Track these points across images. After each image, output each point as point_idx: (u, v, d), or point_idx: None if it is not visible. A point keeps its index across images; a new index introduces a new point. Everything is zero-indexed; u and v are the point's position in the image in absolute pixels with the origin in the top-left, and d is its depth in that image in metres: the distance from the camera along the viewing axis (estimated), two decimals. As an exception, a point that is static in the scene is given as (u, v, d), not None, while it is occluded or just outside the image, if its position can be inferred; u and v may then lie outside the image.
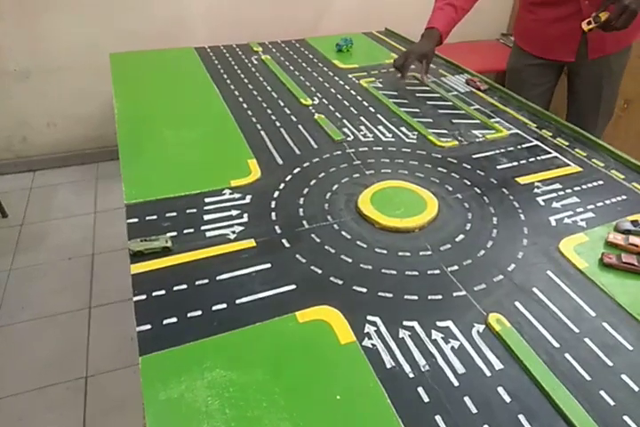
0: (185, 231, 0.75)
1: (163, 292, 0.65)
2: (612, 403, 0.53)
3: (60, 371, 1.31)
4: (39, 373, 1.31)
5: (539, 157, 0.98)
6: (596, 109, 1.43)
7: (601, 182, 0.90)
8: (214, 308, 0.63)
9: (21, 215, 1.90)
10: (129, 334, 1.32)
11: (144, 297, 0.64)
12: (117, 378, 1.28)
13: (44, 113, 2.10)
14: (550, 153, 0.99)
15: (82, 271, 1.63)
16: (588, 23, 1.12)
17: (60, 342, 1.39)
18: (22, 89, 2.02)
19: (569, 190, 0.88)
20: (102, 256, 1.70)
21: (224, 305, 0.63)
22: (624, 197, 0.86)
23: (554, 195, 0.87)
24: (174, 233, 0.74)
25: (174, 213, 0.79)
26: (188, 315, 0.62)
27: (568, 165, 0.96)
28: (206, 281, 0.67)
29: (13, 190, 2.04)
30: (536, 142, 1.03)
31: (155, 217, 0.78)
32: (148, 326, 0.60)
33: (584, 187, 0.89)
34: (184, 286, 0.66)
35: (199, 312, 0.62)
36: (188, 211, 0.79)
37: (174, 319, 0.61)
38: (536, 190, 0.88)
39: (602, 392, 0.54)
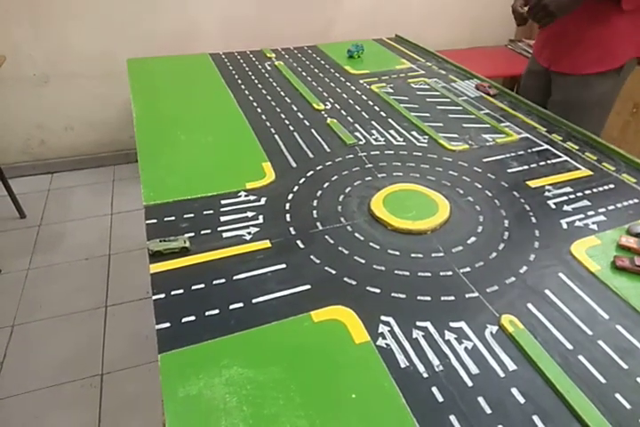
0: (202, 232, 0.77)
1: (181, 291, 0.66)
2: (628, 406, 0.53)
3: (76, 368, 1.33)
4: (55, 370, 1.34)
5: (549, 161, 0.98)
6: None
7: (612, 186, 0.91)
8: (231, 307, 0.64)
9: (39, 216, 1.95)
10: (144, 332, 1.34)
11: (163, 296, 0.65)
12: (132, 376, 1.30)
13: (62, 117, 2.15)
14: (561, 157, 1.00)
15: (98, 271, 1.66)
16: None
17: (76, 341, 1.42)
18: (41, 94, 2.06)
19: (580, 194, 0.88)
20: (118, 257, 1.73)
21: (241, 304, 0.64)
22: (635, 200, 0.87)
23: (565, 198, 0.87)
24: (192, 234, 0.76)
25: (192, 215, 0.80)
26: (206, 313, 0.63)
27: (578, 168, 0.96)
28: (223, 281, 0.68)
29: (32, 192, 2.09)
30: (546, 146, 1.04)
31: (173, 218, 0.80)
32: (167, 324, 0.61)
33: (595, 190, 0.89)
34: (202, 286, 0.67)
35: (217, 311, 0.63)
36: (205, 212, 0.81)
37: (192, 318, 0.62)
38: (547, 194, 0.88)
39: (617, 395, 0.54)
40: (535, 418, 0.52)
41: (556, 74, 1.35)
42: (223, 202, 0.84)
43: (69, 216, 1.95)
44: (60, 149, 2.23)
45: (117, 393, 1.27)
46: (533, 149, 1.02)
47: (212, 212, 0.81)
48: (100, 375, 1.32)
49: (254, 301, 0.65)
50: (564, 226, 0.80)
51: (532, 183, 0.91)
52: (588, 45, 1.24)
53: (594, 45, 1.24)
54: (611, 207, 0.85)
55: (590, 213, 0.83)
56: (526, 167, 0.96)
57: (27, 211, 1.95)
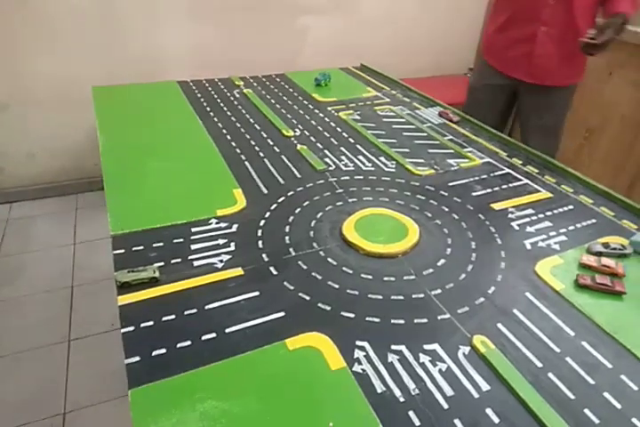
0: (172, 261, 0.75)
1: (151, 323, 0.64)
2: (596, 421, 0.55)
3: (37, 408, 1.25)
4: (14, 411, 1.25)
5: (511, 184, 1.03)
6: (538, 134, 1.60)
7: (571, 207, 0.95)
8: (204, 337, 0.63)
9: (-4, 248, 1.86)
10: (109, 367, 1.28)
11: (132, 328, 0.63)
12: (97, 413, 1.23)
13: (23, 145, 2.09)
14: (521, 180, 1.05)
15: (60, 304, 1.58)
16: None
17: (36, 378, 1.34)
18: (1, 120, 2.01)
19: (541, 215, 0.92)
20: (81, 288, 1.66)
21: (213, 335, 0.63)
22: (593, 220, 0.91)
23: (527, 220, 0.91)
24: (162, 263, 0.75)
25: (161, 244, 0.79)
26: (178, 345, 0.61)
27: (539, 191, 1.01)
28: (195, 311, 0.67)
29: (-11, 223, 1.99)
30: (507, 170, 1.09)
31: (141, 247, 0.78)
32: (137, 358, 0.59)
33: (555, 212, 0.94)
34: (172, 317, 0.66)
35: (189, 342, 0.62)
36: (174, 241, 0.80)
37: (163, 350, 0.61)
38: (510, 215, 0.92)
39: (586, 410, 0.56)
40: (511, 438, 0.53)
41: (533, 86, 1.53)
42: (194, 230, 0.83)
43: (29, 247, 1.87)
44: (21, 177, 2.15)
45: (81, 433, 1.20)
46: (496, 173, 1.07)
47: (182, 240, 0.80)
48: (63, 414, 1.24)
49: (227, 330, 0.64)
50: (528, 246, 0.83)
51: (496, 206, 0.95)
52: (568, 63, 1.47)
53: (573, 63, 1.48)
54: (571, 227, 0.89)
55: (552, 233, 0.87)
56: (490, 191, 1.00)
57: (-17, 242, 1.86)
